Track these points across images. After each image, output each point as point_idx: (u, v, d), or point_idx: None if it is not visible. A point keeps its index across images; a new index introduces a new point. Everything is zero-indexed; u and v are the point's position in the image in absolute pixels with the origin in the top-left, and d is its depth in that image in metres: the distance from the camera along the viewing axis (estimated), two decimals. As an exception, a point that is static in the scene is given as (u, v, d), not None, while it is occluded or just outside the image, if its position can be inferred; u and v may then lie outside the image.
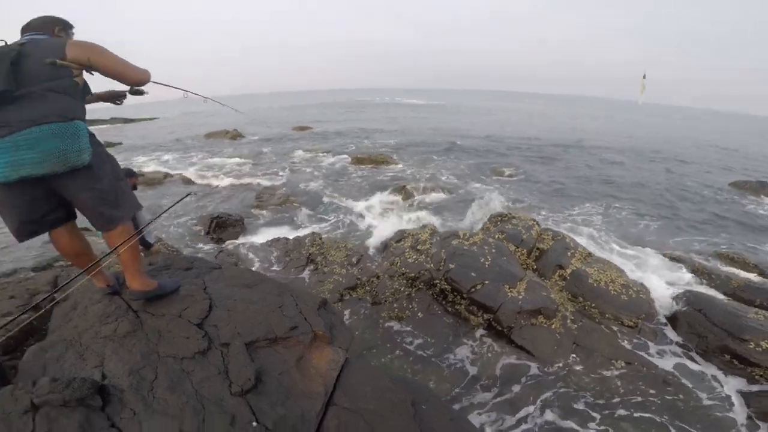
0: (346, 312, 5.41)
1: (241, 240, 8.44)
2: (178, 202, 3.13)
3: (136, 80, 2.08)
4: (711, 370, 4.46)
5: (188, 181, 14.36)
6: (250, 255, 7.31)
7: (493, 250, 5.68)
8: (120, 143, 24.74)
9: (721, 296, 5.66)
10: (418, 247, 6.16)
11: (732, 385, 4.27)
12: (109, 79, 2.15)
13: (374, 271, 6.05)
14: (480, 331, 4.91)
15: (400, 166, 16.14)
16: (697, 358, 4.64)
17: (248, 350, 2.22)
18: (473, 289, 5.12)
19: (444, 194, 11.77)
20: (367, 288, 5.72)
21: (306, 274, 6.50)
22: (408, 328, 5.08)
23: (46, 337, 2.45)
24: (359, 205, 11.16)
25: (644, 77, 9.38)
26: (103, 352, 2.16)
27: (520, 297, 4.90)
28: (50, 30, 2.09)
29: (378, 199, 11.68)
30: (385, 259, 6.41)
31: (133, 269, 2.42)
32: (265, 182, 13.95)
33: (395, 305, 5.35)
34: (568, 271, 5.69)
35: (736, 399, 4.10)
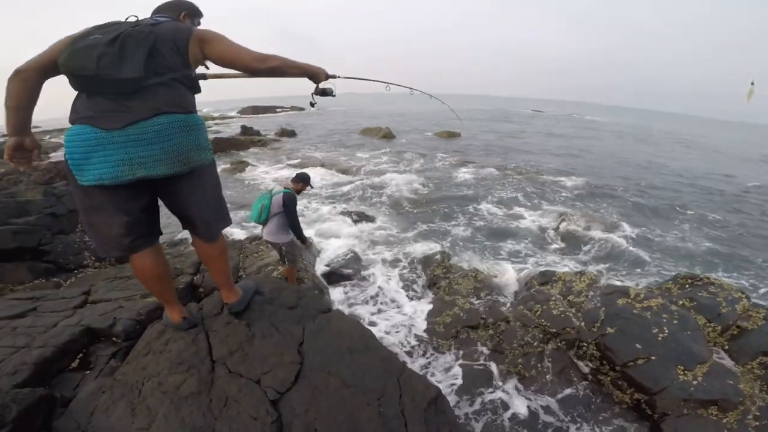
0: (456, 353, 5.01)
1: (371, 241, 8.85)
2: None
3: (250, 66, 1.91)
4: None
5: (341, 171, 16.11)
6: (376, 264, 7.57)
7: (675, 321, 4.69)
8: (293, 132, 29.78)
9: None
10: (570, 298, 5.26)
11: None
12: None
13: (504, 313, 5.52)
14: (621, 410, 4.18)
15: (556, 189, 14.72)
16: None
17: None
18: (631, 363, 4.33)
19: (611, 235, 10.05)
20: (491, 332, 5.23)
21: (424, 300, 6.28)
22: (530, 390, 4.49)
23: (120, 368, 2.47)
24: (500, 228, 10.51)
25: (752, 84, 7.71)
26: (157, 412, 2.03)
27: (695, 382, 4.00)
28: (176, 14, 2.06)
29: (523, 223, 10.84)
30: (521, 303, 5.62)
31: (229, 282, 2.47)
32: (408, 183, 14.41)
33: (520, 360, 4.82)
34: (777, 361, 4.43)
35: None
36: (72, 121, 1.68)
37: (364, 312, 5.92)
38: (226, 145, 22.62)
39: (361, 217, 10.04)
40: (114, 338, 3.40)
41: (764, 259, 9.44)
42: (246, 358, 2.26)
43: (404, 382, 2.31)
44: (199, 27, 2.12)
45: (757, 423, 3.68)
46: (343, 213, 10.54)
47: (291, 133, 29.02)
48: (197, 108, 2.05)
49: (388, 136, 27.63)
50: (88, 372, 3.03)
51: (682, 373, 4.03)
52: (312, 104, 2.44)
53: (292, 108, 62.12)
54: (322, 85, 2.29)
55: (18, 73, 1.61)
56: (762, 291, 7.77)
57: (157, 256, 2.09)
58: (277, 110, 56.09)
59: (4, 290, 4.69)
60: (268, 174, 15.78)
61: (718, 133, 67.81)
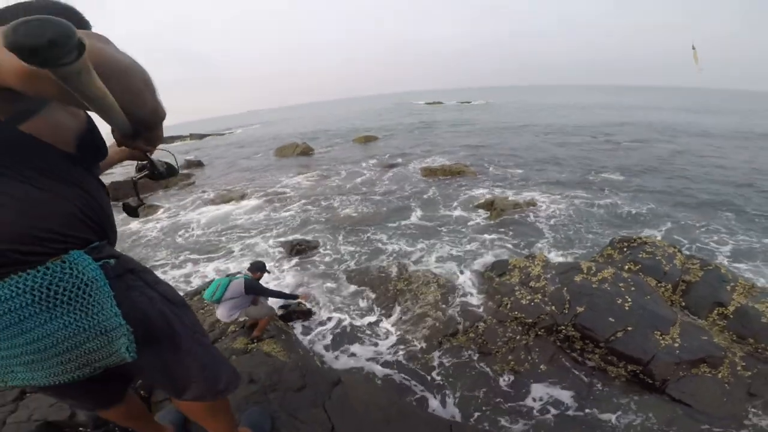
0: (447, 362, 5.09)
1: (321, 268, 8.55)
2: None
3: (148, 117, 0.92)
4: None
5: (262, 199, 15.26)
6: (332, 292, 7.29)
7: (632, 288, 5.02)
8: (200, 163, 27.17)
9: None
10: (531, 284, 5.52)
11: None
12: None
13: (478, 313, 5.68)
14: (622, 384, 4.44)
15: (480, 177, 15.48)
16: None
17: None
18: (613, 338, 4.65)
19: (542, 208, 10.81)
20: (471, 335, 5.36)
21: (395, 317, 6.27)
22: (530, 383, 4.64)
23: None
24: (441, 227, 10.74)
25: (693, 48, 8.64)
26: None
27: (677, 345, 4.38)
28: None
29: (460, 217, 11.24)
30: (488, 299, 5.85)
31: None
32: (337, 200, 14.30)
33: (510, 356, 5.00)
34: (731, 308, 5.00)
35: None
36: None
37: (339, 349, 5.73)
38: (124, 192, 19.47)
39: (303, 245, 9.66)
40: (81, 428, 2.94)
41: (672, 206, 10.74)
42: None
43: (457, 439, 2.21)
44: None
45: (749, 372, 4.14)
46: (282, 244, 10.15)
47: (198, 164, 26.56)
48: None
49: (306, 151, 26.70)
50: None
51: (660, 337, 4.44)
52: (138, 208, 1.42)
53: (191, 136, 57.26)
54: (158, 156, 1.33)
55: None
56: (681, 238, 8.76)
57: (126, 411, 1.67)
58: (175, 140, 51.92)
59: None
60: (186, 215, 14.43)
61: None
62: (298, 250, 9.43)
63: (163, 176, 1.39)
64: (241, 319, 4.81)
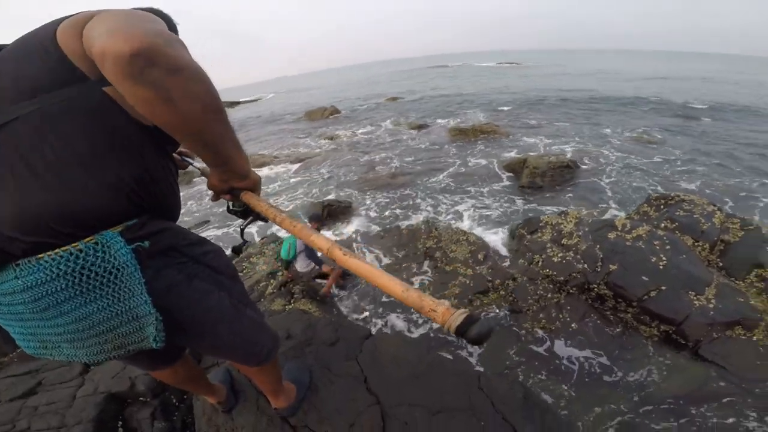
0: None
1: (352, 228, 8.68)
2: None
3: (115, 68, 0.72)
4: None
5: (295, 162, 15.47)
6: (364, 250, 7.29)
7: (667, 246, 4.91)
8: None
9: None
10: (563, 242, 5.46)
11: None
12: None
13: (508, 271, 5.64)
14: (654, 343, 4.41)
15: (510, 137, 15.04)
16: None
17: None
18: (646, 296, 4.59)
19: (574, 167, 10.56)
20: (502, 293, 5.36)
21: (425, 275, 6.21)
22: (559, 342, 4.67)
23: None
24: (470, 187, 10.72)
25: None
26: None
27: (711, 306, 4.30)
28: None
29: (490, 177, 11.11)
30: (519, 256, 5.75)
31: (275, 388, 2.01)
32: (367, 160, 14.36)
33: (541, 314, 5.04)
34: (772, 270, 4.98)
35: None
36: None
37: (369, 306, 5.77)
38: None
39: (334, 205, 9.79)
40: (141, 398, 3.19)
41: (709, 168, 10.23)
42: (322, 415, 2.12)
43: (488, 389, 2.29)
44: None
45: (785, 336, 4.15)
46: (314, 205, 10.23)
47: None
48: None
49: (335, 114, 27.39)
50: (138, 438, 3.02)
51: (695, 298, 4.40)
52: (242, 247, 1.64)
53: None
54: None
55: None
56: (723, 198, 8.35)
57: (176, 372, 1.69)
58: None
59: (-9, 364, 4.32)
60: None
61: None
62: (330, 211, 9.51)
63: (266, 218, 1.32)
64: (311, 268, 5.35)
